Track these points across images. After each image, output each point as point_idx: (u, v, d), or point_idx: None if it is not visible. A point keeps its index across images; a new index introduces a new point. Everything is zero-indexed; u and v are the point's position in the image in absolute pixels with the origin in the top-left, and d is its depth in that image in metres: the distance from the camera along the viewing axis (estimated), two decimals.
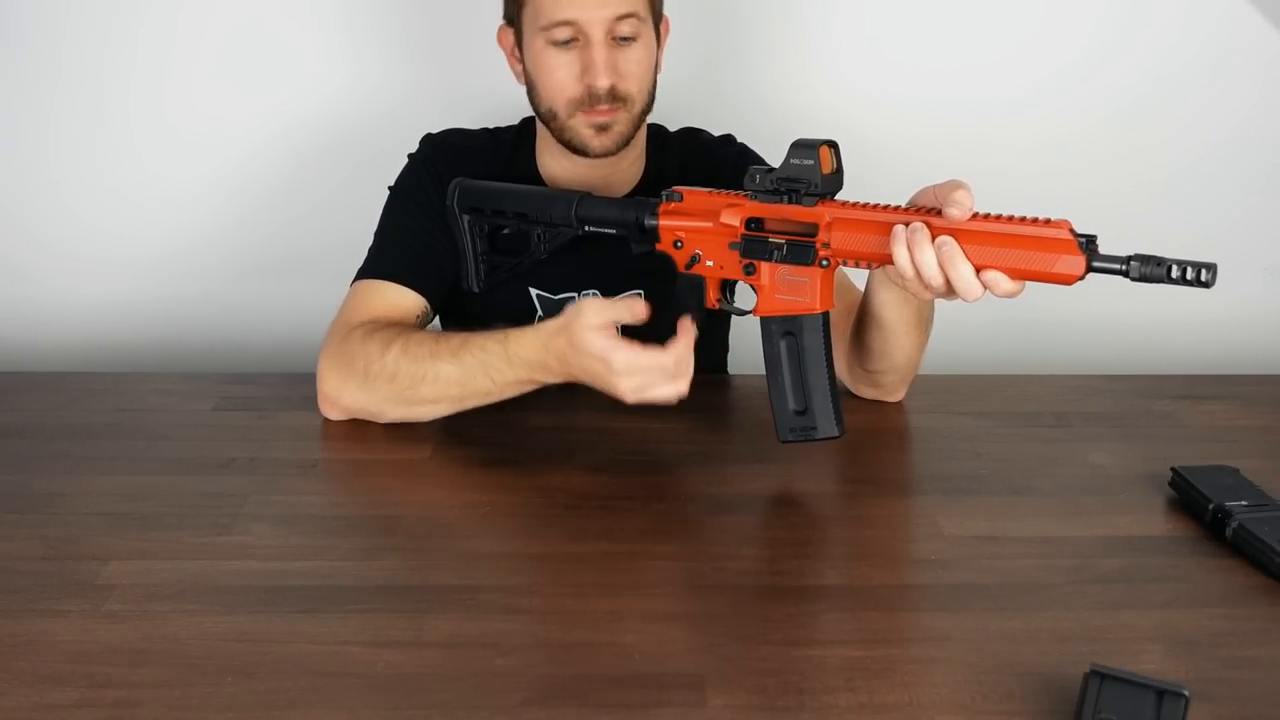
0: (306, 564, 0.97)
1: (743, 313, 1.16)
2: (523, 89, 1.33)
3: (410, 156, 1.38)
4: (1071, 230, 0.94)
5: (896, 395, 1.29)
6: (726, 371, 1.49)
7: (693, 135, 1.44)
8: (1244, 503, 1.01)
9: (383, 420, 1.23)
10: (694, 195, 1.15)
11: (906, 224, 0.99)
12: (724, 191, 1.14)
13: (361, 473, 1.17)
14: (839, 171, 1.07)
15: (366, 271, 1.32)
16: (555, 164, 1.35)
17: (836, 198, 1.07)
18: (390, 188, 1.37)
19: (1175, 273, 0.92)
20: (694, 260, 1.15)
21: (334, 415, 1.24)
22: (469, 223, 1.28)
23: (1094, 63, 1.75)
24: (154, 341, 1.81)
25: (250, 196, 1.77)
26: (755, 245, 1.10)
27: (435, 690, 0.81)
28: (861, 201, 1.05)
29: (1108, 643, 0.86)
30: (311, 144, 1.75)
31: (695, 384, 1.34)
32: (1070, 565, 0.97)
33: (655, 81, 1.32)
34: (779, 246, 1.08)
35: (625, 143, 1.30)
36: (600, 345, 1.09)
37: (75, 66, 1.71)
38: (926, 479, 1.15)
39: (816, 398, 1.10)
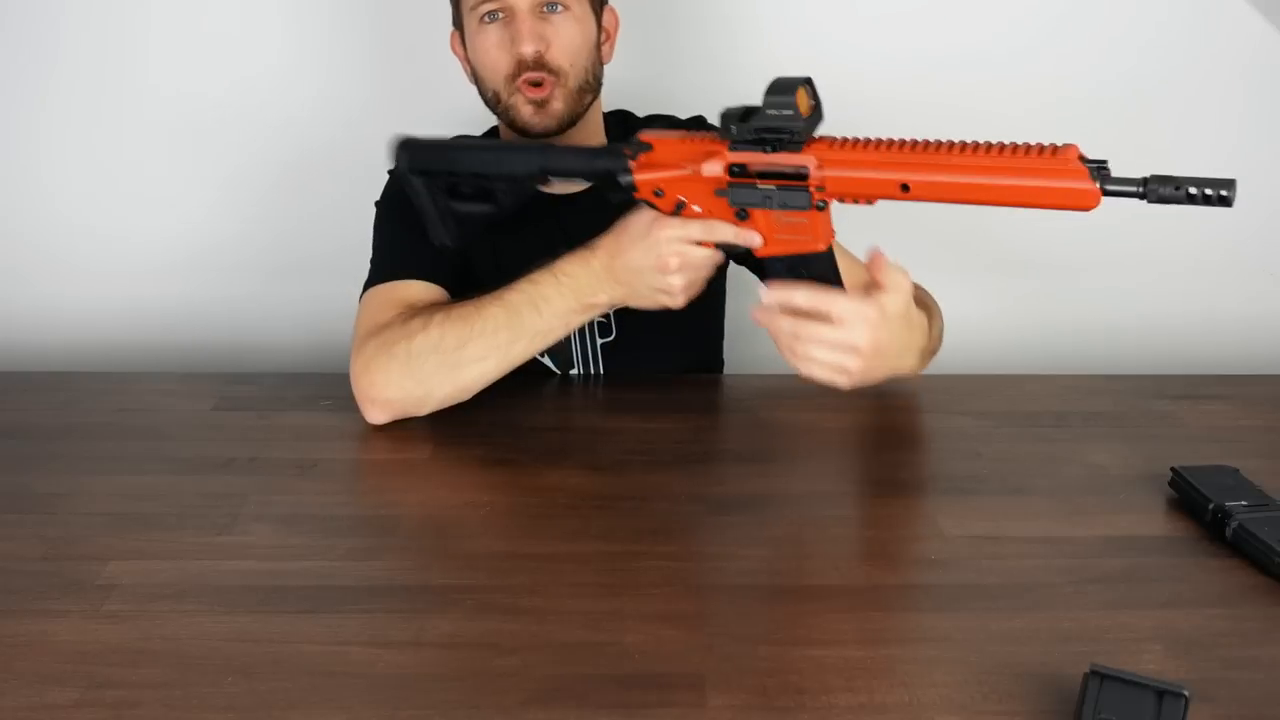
0: (306, 564, 0.97)
1: (740, 250, 1.11)
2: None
3: (391, 171, 1.39)
4: (1081, 156, 0.90)
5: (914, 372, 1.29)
6: (722, 361, 1.49)
7: (663, 120, 1.43)
8: (1244, 503, 1.01)
9: (429, 405, 1.21)
10: (665, 144, 1.09)
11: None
12: (697, 135, 1.09)
13: (361, 473, 1.17)
14: (818, 108, 1.02)
15: (376, 278, 1.31)
16: None
17: (819, 133, 1.03)
18: (377, 203, 1.38)
19: (1193, 191, 0.88)
20: (680, 207, 1.10)
21: (379, 417, 1.22)
22: (424, 184, 1.21)
23: (1092, 64, 1.75)
24: (154, 341, 1.81)
25: (250, 196, 1.77)
26: (744, 192, 1.06)
27: (435, 690, 0.81)
28: (848, 137, 1.01)
29: (1108, 643, 0.86)
30: (312, 144, 1.75)
31: (695, 384, 1.35)
32: (1070, 565, 0.97)
33: (595, 62, 1.32)
34: (770, 194, 1.05)
35: (566, 121, 1.29)
36: (650, 212, 1.11)
37: (72, 67, 1.71)
38: (926, 479, 1.15)
39: None
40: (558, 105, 1.28)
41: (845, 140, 1.01)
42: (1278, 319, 1.85)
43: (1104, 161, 0.91)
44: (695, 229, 1.09)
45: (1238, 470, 1.07)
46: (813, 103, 1.02)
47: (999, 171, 0.93)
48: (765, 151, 1.03)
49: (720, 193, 1.07)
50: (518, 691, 0.81)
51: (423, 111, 1.50)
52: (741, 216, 1.07)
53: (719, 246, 1.11)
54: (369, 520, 1.08)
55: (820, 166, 1.01)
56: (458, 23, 1.35)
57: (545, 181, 1.18)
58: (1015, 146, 0.93)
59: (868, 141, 1.00)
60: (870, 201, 1.02)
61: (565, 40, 1.27)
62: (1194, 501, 1.04)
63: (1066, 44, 1.75)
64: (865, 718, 0.78)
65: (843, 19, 1.73)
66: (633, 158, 1.10)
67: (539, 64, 1.26)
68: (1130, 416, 1.29)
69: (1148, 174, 0.90)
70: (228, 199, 1.78)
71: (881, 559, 1.00)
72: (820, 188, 1.02)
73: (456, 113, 1.44)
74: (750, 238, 1.08)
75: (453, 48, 1.38)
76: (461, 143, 1.23)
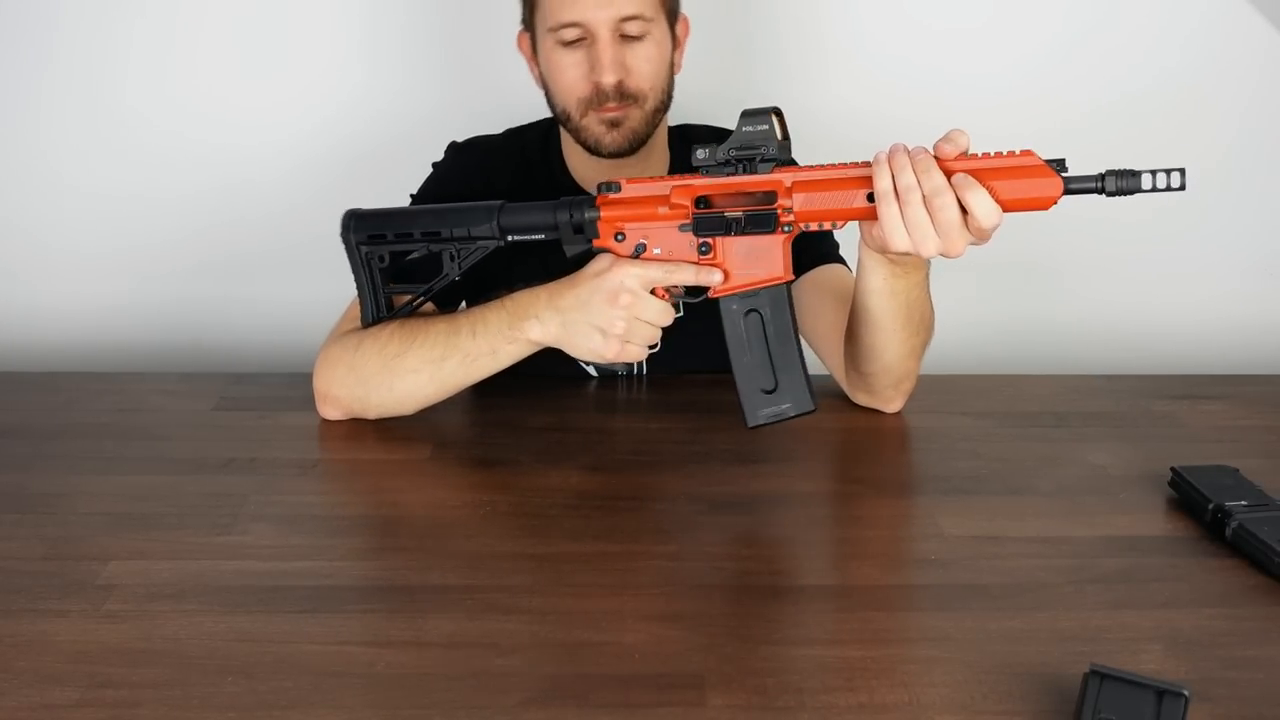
0: (306, 564, 0.97)
1: (696, 298, 1.13)
2: (540, 92, 1.34)
3: (435, 165, 1.39)
4: (1039, 158, 0.97)
5: (892, 405, 1.27)
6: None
7: (717, 133, 1.42)
8: (1244, 503, 1.01)
9: (371, 409, 1.22)
10: (634, 183, 1.12)
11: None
12: (666, 177, 1.11)
13: (361, 473, 1.17)
14: (788, 138, 1.06)
15: None
16: (582, 162, 1.35)
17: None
18: (412, 195, 1.37)
19: (1147, 182, 0.95)
20: (639, 251, 1.12)
21: (330, 413, 1.24)
22: (366, 254, 1.21)
23: (1092, 63, 1.75)
24: (154, 341, 1.81)
25: (251, 197, 1.77)
26: (711, 221, 1.08)
27: (435, 690, 0.81)
28: (816, 164, 1.05)
29: (1108, 643, 0.86)
30: (313, 145, 1.75)
31: (694, 383, 1.35)
32: (1070, 565, 0.97)
33: (671, 79, 1.31)
34: (737, 220, 1.07)
35: (639, 140, 1.29)
36: (609, 255, 1.11)
37: (74, 64, 1.71)
38: (926, 479, 1.15)
39: (786, 373, 1.09)
40: (633, 125, 1.27)
41: (811, 166, 1.05)
42: (1278, 319, 1.85)
43: (1062, 160, 0.97)
44: (655, 271, 1.11)
45: (1238, 470, 1.07)
46: (784, 132, 1.06)
47: (971, 175, 0.97)
48: (737, 174, 1.06)
49: (684, 228, 1.09)
50: (518, 691, 0.81)
51: (429, 119, 1.49)
52: (704, 252, 1.09)
53: (676, 290, 1.12)
54: (369, 520, 1.08)
55: (789, 190, 1.05)
56: (529, 26, 1.32)
57: (502, 241, 1.17)
58: (976, 156, 0.98)
59: (834, 165, 1.04)
60: (840, 223, 1.06)
61: (646, 68, 1.26)
62: (1194, 501, 1.04)
63: (1067, 43, 1.75)
64: (865, 718, 0.78)
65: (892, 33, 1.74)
66: (599, 194, 1.12)
67: (619, 92, 1.25)
68: (1130, 416, 1.29)
69: (1103, 169, 0.97)
70: (232, 199, 1.77)
71: (881, 559, 1.00)
72: (789, 209, 1.05)
73: (461, 122, 1.44)
74: (710, 275, 1.10)
75: (519, 46, 1.36)
76: (415, 208, 1.22)
